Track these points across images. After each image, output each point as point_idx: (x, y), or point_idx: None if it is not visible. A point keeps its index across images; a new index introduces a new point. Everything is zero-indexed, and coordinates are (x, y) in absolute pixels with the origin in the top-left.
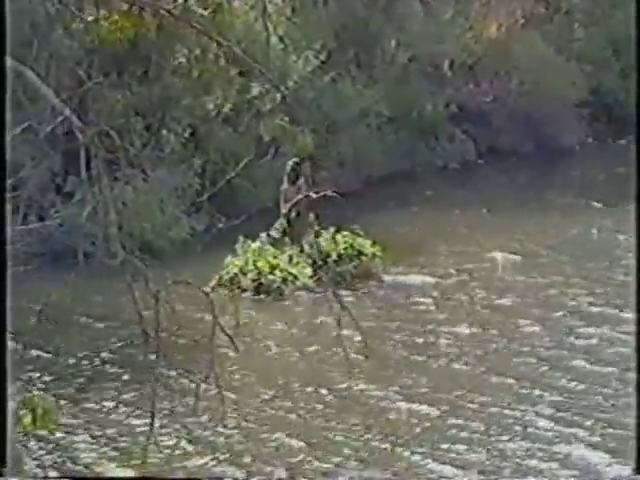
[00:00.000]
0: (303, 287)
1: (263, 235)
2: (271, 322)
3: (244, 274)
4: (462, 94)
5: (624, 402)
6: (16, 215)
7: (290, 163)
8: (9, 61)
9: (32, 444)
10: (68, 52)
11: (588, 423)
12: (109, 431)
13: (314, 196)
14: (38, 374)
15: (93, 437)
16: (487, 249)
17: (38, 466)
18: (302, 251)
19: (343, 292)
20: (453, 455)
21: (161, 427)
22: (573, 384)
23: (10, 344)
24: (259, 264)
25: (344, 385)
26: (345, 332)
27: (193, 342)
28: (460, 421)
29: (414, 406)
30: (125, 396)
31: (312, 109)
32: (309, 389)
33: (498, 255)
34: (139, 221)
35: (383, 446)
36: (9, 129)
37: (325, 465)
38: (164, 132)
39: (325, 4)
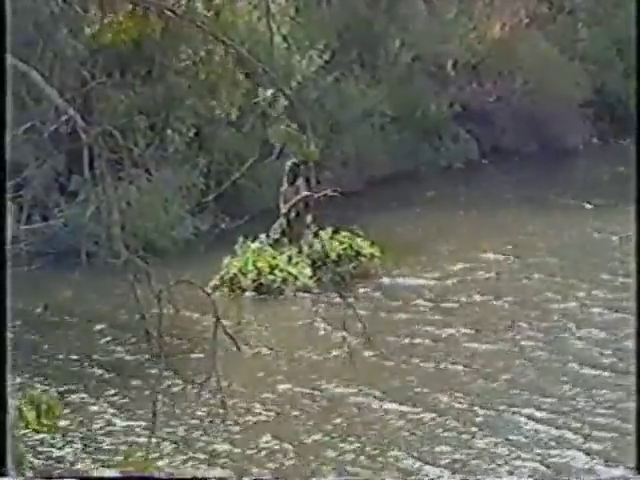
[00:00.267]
0: (303, 287)
1: (262, 236)
2: (271, 322)
3: (244, 274)
4: (466, 94)
5: (621, 406)
6: (20, 214)
7: (289, 164)
8: (12, 61)
9: (33, 444)
10: (72, 52)
11: (582, 426)
12: (110, 431)
13: (314, 196)
14: (39, 373)
15: (94, 436)
16: (487, 250)
17: (39, 465)
18: (301, 252)
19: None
20: (443, 457)
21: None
22: (568, 387)
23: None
24: (259, 264)
25: (342, 385)
26: (344, 333)
27: (195, 341)
28: (452, 424)
29: (407, 408)
30: (127, 396)
31: (315, 109)
32: (304, 390)
33: (498, 257)
34: (143, 221)
35: (375, 448)
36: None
37: (314, 467)
38: (168, 132)
39: (328, 4)
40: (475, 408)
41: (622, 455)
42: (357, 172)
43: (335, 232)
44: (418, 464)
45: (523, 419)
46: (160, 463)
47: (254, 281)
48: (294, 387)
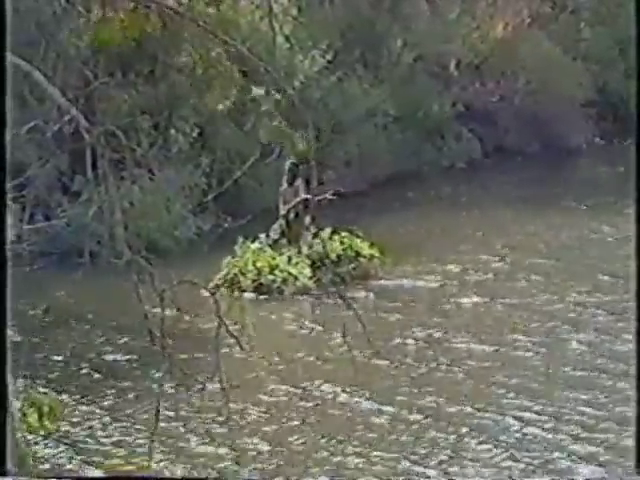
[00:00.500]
0: (303, 287)
1: (262, 236)
2: (272, 322)
3: (244, 274)
4: (468, 93)
5: (618, 410)
6: (23, 214)
7: (288, 164)
8: (16, 60)
9: (35, 443)
10: (74, 52)
11: (578, 431)
12: (111, 430)
13: (314, 199)
14: (41, 374)
15: (96, 437)
16: (488, 251)
17: (41, 464)
18: (300, 252)
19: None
20: (437, 461)
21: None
22: (565, 389)
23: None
24: (259, 264)
25: (340, 387)
26: (344, 334)
27: (197, 341)
28: (446, 426)
29: (405, 410)
30: (129, 396)
31: (318, 109)
32: (300, 391)
33: (498, 258)
34: (145, 221)
35: (369, 450)
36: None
37: (303, 469)
38: (172, 132)
39: (331, 4)
40: (470, 410)
41: (618, 458)
42: (360, 172)
43: (334, 233)
44: (409, 465)
45: (517, 421)
46: (162, 463)
47: (254, 281)
48: (290, 387)
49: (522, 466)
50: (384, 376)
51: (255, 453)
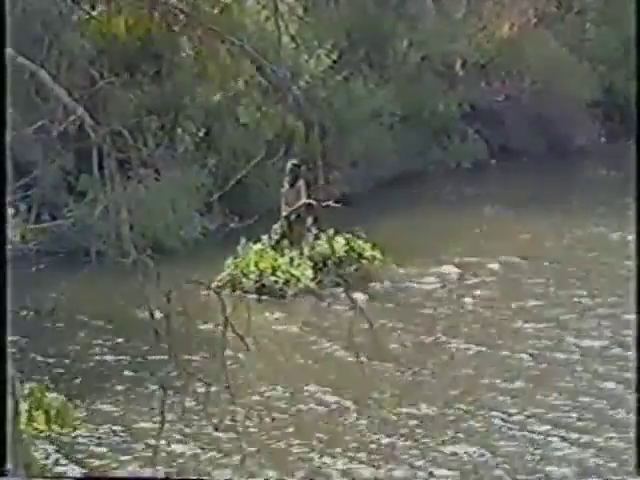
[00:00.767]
0: (305, 289)
1: (264, 237)
2: (274, 323)
3: (246, 276)
4: (474, 93)
5: (622, 408)
6: (29, 214)
7: (289, 165)
8: (19, 59)
9: (38, 443)
10: (80, 51)
11: (585, 424)
12: (116, 431)
13: (320, 204)
14: (46, 374)
15: (100, 437)
16: (491, 252)
17: (44, 465)
18: (302, 254)
19: (343, 295)
20: (448, 456)
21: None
22: (572, 386)
23: (17, 342)
24: (261, 265)
25: (341, 386)
26: (340, 335)
27: (201, 341)
28: (455, 422)
29: (409, 408)
30: (133, 396)
31: (324, 109)
32: (300, 393)
33: (501, 259)
34: (151, 221)
35: (377, 445)
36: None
37: (311, 465)
38: (178, 131)
39: (337, 3)
40: (481, 408)
41: (617, 461)
42: (366, 172)
43: (336, 234)
44: (422, 462)
45: (519, 425)
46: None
47: (256, 282)
48: (289, 389)
49: (518, 470)
50: (385, 377)
51: (264, 447)
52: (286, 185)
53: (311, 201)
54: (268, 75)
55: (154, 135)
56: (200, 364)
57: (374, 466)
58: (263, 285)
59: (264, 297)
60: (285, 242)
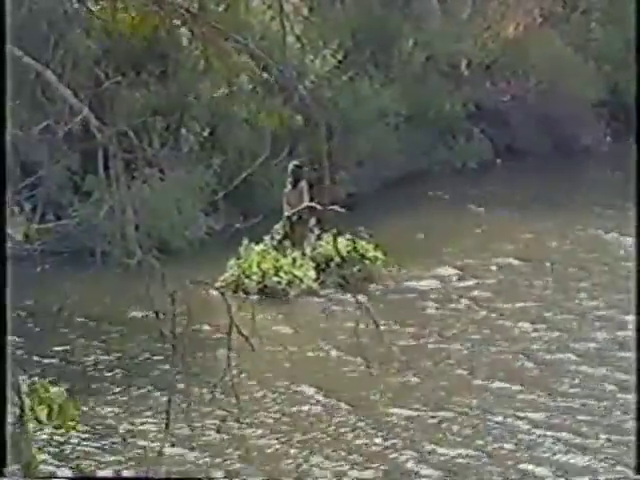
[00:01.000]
0: (308, 290)
1: (267, 238)
2: (277, 324)
3: (248, 276)
4: (479, 93)
5: (621, 408)
6: (34, 214)
7: (291, 166)
8: (24, 59)
9: (41, 442)
10: (86, 51)
11: (584, 428)
12: (120, 431)
13: (325, 208)
14: (51, 373)
15: (105, 437)
16: (495, 253)
17: (47, 465)
18: (304, 254)
19: (347, 295)
20: (443, 458)
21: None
22: (572, 389)
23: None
24: (264, 266)
25: (343, 386)
26: (342, 337)
27: (206, 341)
28: (453, 425)
29: (407, 409)
30: (139, 395)
31: (329, 109)
32: (308, 391)
33: (505, 260)
34: (156, 221)
35: (372, 447)
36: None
37: (308, 466)
38: (183, 131)
39: (342, 3)
40: (472, 411)
41: (619, 460)
42: (372, 172)
43: (338, 235)
44: (415, 464)
45: (521, 423)
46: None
47: (258, 283)
48: (291, 389)
49: (511, 472)
50: (387, 377)
51: (263, 450)
52: (288, 186)
53: (314, 204)
54: (274, 75)
55: (159, 135)
56: (203, 365)
57: (372, 468)
58: (265, 286)
59: (267, 298)
60: (287, 243)
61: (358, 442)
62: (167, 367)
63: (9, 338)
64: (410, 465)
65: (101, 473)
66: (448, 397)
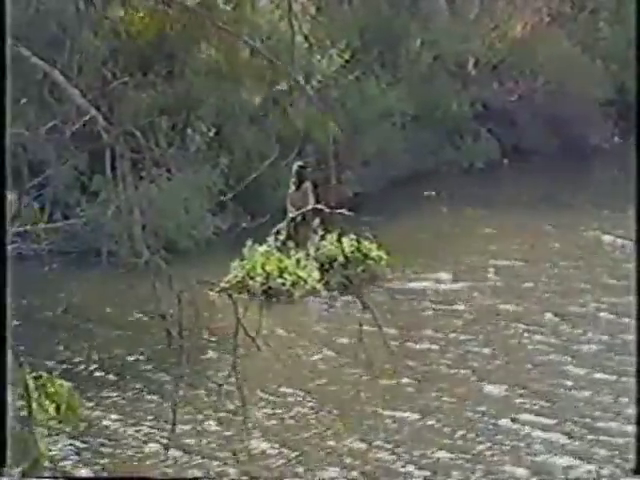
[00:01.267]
0: (312, 291)
1: (270, 239)
2: (282, 326)
3: (252, 278)
4: (487, 93)
5: (620, 411)
6: (42, 213)
7: (295, 167)
8: (32, 59)
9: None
10: (94, 51)
11: (582, 431)
12: (125, 431)
13: (323, 207)
14: (56, 373)
15: (110, 437)
16: (500, 253)
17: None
18: (308, 255)
19: (350, 296)
20: (436, 462)
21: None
22: (572, 391)
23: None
24: (268, 267)
25: (346, 386)
26: (344, 340)
27: (211, 342)
28: (447, 429)
29: (405, 413)
30: (145, 395)
31: (336, 108)
32: (310, 391)
33: (509, 260)
34: (163, 220)
35: (362, 449)
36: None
37: (304, 469)
38: (189, 131)
39: (350, 3)
40: (471, 413)
41: (619, 460)
42: (378, 172)
43: (341, 235)
44: (412, 467)
45: (522, 425)
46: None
47: (262, 284)
48: (293, 390)
49: (520, 467)
50: (393, 375)
51: (259, 453)
52: (292, 187)
53: (320, 206)
54: (282, 74)
55: (166, 135)
56: (208, 365)
57: (371, 469)
58: (270, 287)
59: (271, 299)
60: (291, 244)
61: (359, 442)
62: (173, 368)
63: (10, 339)
64: (410, 469)
65: (102, 474)
66: (449, 397)
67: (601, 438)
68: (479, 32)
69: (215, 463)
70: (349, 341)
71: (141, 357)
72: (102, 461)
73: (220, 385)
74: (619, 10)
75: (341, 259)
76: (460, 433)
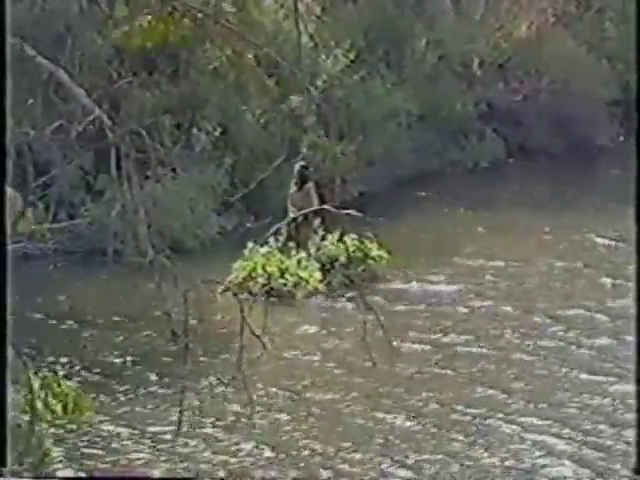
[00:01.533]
0: (314, 291)
1: (271, 240)
2: (284, 326)
3: (253, 278)
4: (492, 93)
5: (616, 414)
6: (47, 213)
7: (297, 167)
8: (37, 59)
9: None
10: (98, 51)
11: (585, 425)
12: (129, 431)
13: (328, 207)
14: (61, 372)
15: (115, 437)
16: (504, 253)
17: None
18: (310, 255)
19: (352, 296)
20: (438, 465)
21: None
22: (571, 393)
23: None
24: (269, 268)
25: (348, 387)
26: (337, 342)
27: (216, 341)
28: (444, 432)
29: (404, 415)
30: (144, 395)
31: (341, 108)
32: (312, 392)
33: (511, 261)
34: (168, 220)
35: (372, 448)
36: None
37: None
38: (194, 131)
39: (355, 3)
40: (470, 414)
41: (616, 464)
42: (383, 171)
43: (342, 235)
44: (409, 473)
45: (520, 428)
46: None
47: (264, 285)
48: (296, 390)
49: (519, 471)
50: (384, 379)
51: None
52: (293, 187)
53: (326, 206)
54: (287, 74)
55: (171, 134)
56: (212, 364)
57: (372, 467)
58: (272, 288)
59: (273, 300)
60: (292, 244)
61: (358, 443)
62: (177, 366)
63: (10, 337)
64: (415, 465)
65: (103, 473)
66: (449, 398)
67: (597, 442)
68: (484, 32)
69: (213, 463)
70: (349, 341)
71: (148, 356)
72: (90, 462)
73: (227, 384)
74: (625, 10)
75: (342, 259)
76: (460, 434)
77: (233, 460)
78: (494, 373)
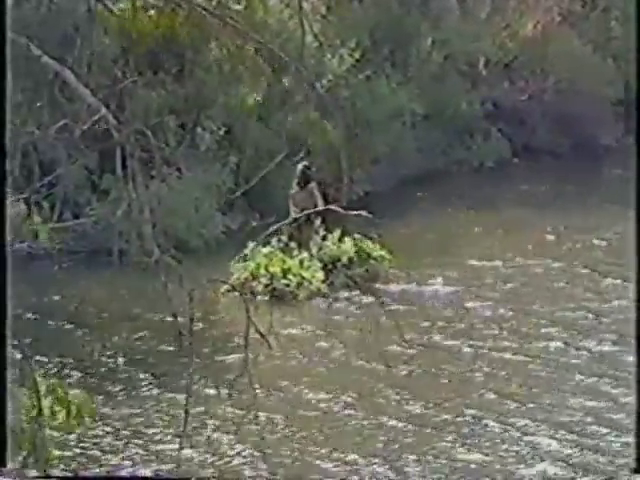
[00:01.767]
0: (316, 291)
1: (274, 240)
2: (287, 327)
3: (255, 278)
4: (497, 92)
5: (614, 418)
6: (52, 213)
7: (300, 167)
8: (45, 59)
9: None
10: (104, 50)
11: (584, 425)
12: (133, 431)
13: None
14: (67, 372)
15: (118, 437)
16: (506, 254)
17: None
18: (312, 256)
19: (354, 296)
20: (443, 461)
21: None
22: (570, 394)
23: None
24: (271, 269)
25: (349, 387)
26: (324, 344)
27: (220, 341)
28: (441, 435)
29: (404, 416)
30: (155, 394)
31: (346, 107)
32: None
33: (513, 261)
34: (174, 219)
35: (373, 448)
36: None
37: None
38: (199, 130)
39: (360, 2)
40: (470, 416)
41: (613, 466)
42: (388, 171)
43: (343, 235)
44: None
45: (517, 430)
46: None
47: (267, 286)
48: (298, 390)
49: (516, 473)
50: (391, 378)
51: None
52: (295, 187)
53: (334, 207)
54: (292, 73)
55: (176, 134)
56: (214, 364)
57: (373, 466)
58: (274, 289)
59: (276, 300)
60: (293, 244)
61: (359, 442)
62: (182, 367)
63: (19, 341)
64: (416, 466)
65: (103, 473)
66: (450, 399)
67: (594, 445)
68: (490, 31)
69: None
70: (354, 340)
71: (152, 356)
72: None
73: (233, 381)
74: (630, 9)
75: (344, 259)
76: (460, 433)
77: (230, 460)
78: (494, 374)
